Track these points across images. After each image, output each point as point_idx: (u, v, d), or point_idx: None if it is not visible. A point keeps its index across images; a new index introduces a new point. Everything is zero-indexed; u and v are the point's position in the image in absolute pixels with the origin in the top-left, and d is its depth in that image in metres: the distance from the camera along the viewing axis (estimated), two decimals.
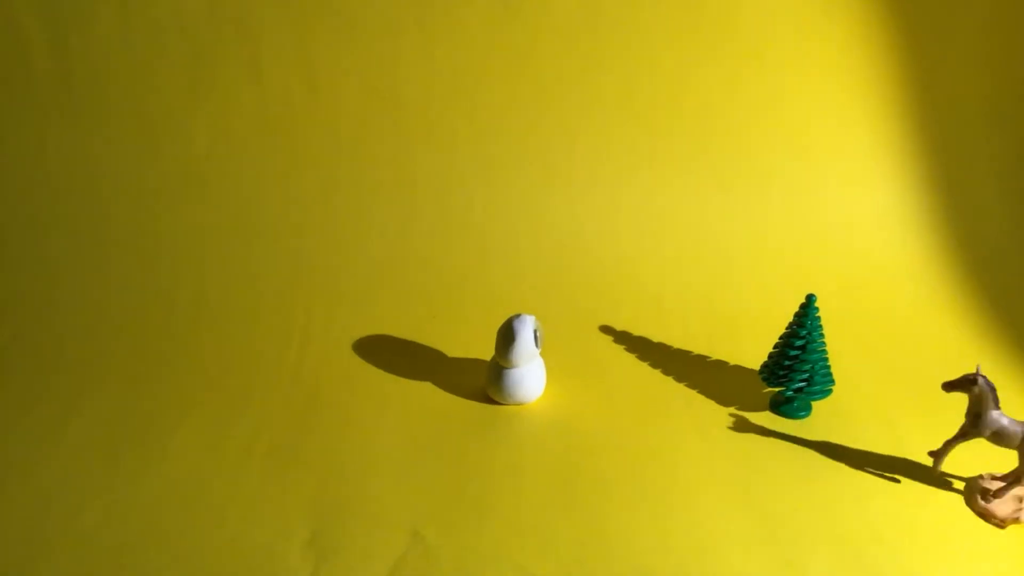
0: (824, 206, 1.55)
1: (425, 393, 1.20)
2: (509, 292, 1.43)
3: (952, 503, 1.00)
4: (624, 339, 1.35)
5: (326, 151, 1.47)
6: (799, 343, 1.12)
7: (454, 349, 1.31)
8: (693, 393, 1.22)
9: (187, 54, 1.40)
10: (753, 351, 1.26)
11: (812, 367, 1.13)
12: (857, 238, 1.53)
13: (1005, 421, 0.96)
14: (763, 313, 1.37)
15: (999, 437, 0.96)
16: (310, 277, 1.42)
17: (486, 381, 1.18)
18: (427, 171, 1.49)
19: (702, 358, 1.31)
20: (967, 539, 0.94)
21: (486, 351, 1.20)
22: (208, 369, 1.24)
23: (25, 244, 1.43)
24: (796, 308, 1.15)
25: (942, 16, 1.46)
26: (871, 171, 1.55)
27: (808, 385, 1.13)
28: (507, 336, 1.12)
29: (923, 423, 1.14)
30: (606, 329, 1.38)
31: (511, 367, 1.14)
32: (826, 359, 1.14)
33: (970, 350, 1.33)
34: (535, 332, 1.13)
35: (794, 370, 1.13)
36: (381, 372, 1.25)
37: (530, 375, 1.15)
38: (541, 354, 1.16)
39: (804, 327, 1.12)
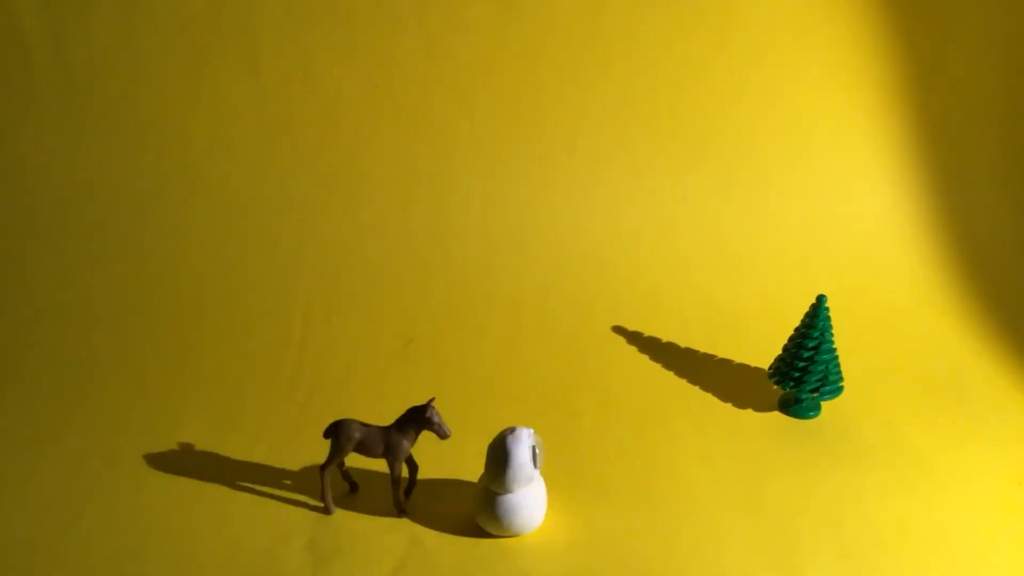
0: (826, 206, 1.55)
1: (425, 394, 1.19)
2: (510, 293, 1.42)
3: (954, 505, 0.99)
4: (628, 339, 1.34)
5: (325, 151, 1.47)
6: (812, 344, 1.12)
7: (453, 350, 1.30)
8: (698, 392, 1.21)
9: (187, 53, 1.40)
10: (758, 350, 1.26)
11: (826, 367, 1.12)
12: (859, 238, 1.53)
13: (358, 435, 0.94)
14: (767, 312, 1.37)
15: (362, 448, 0.95)
16: (309, 277, 1.41)
17: (474, 507, 0.94)
18: (427, 171, 1.49)
19: (707, 357, 1.30)
20: (969, 540, 0.94)
21: (483, 351, 1.18)
22: (207, 370, 1.24)
23: (24, 244, 1.42)
24: (799, 307, 1.14)
25: (944, 17, 1.46)
26: (873, 172, 1.55)
27: (823, 385, 1.13)
28: (498, 456, 0.89)
29: (925, 421, 1.15)
30: (610, 329, 1.37)
31: (504, 492, 0.91)
32: (837, 358, 1.14)
33: (971, 349, 1.32)
34: (533, 449, 0.90)
35: (809, 371, 1.12)
36: (381, 372, 1.24)
37: (527, 502, 0.91)
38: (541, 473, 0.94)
39: (816, 327, 1.13)
